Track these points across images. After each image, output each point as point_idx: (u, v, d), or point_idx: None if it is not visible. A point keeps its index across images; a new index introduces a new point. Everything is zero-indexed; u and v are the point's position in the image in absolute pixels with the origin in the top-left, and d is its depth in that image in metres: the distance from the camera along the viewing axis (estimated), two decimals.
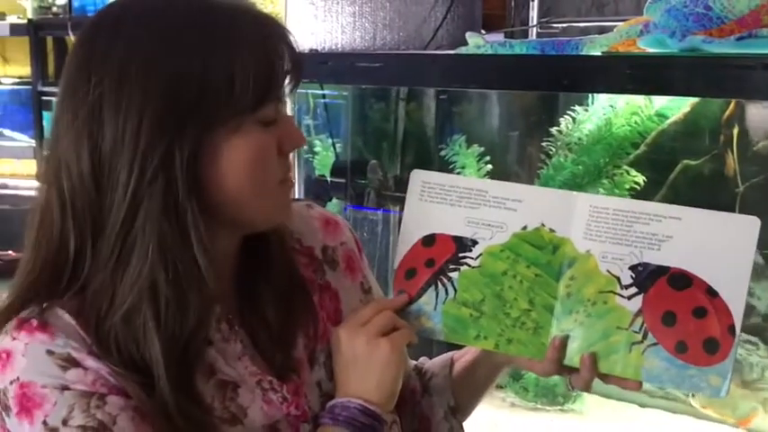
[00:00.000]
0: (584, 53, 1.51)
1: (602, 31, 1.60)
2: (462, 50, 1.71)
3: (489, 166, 2.00)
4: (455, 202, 1.02)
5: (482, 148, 2.02)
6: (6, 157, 3.99)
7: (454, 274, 1.01)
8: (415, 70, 1.78)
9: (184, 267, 0.85)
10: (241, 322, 0.94)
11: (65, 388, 0.83)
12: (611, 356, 0.96)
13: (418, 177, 1.04)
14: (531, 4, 2.25)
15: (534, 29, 2.22)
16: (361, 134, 2.25)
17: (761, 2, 1.32)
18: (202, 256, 0.85)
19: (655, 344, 0.94)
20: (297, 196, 2.11)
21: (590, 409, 1.98)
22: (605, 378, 0.97)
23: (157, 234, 0.83)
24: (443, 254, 1.02)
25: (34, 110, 3.54)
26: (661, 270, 0.95)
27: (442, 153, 2.04)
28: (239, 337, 0.93)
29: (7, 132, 3.96)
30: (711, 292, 0.93)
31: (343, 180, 2.11)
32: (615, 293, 0.96)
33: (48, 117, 3.49)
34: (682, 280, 0.94)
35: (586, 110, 1.91)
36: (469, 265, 1.01)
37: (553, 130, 1.94)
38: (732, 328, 0.92)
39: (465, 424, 1.11)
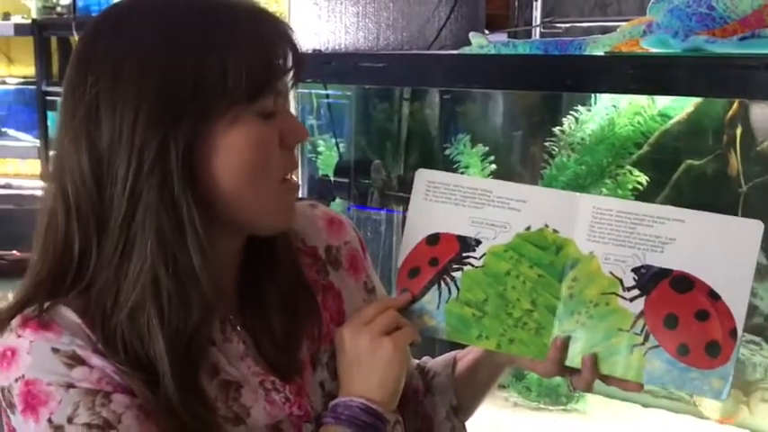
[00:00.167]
0: (587, 53, 1.51)
1: (606, 31, 1.60)
2: (466, 50, 1.71)
3: (493, 166, 2.00)
4: (459, 201, 1.03)
5: (486, 148, 2.02)
6: (11, 157, 4.00)
7: (457, 274, 1.02)
8: (418, 70, 1.78)
9: (184, 262, 0.85)
10: (243, 323, 0.94)
11: (70, 386, 0.83)
12: (613, 358, 0.96)
13: (423, 177, 1.04)
14: (534, 4, 2.25)
15: (537, 29, 2.22)
16: (365, 134, 2.25)
17: (764, 2, 1.32)
18: (197, 252, 0.85)
19: (656, 346, 0.94)
20: (300, 196, 2.11)
21: (593, 409, 1.98)
22: (606, 379, 0.97)
23: (156, 228, 0.84)
24: (447, 253, 1.02)
25: (38, 110, 3.55)
26: (663, 272, 0.95)
27: (447, 152, 2.03)
28: (241, 337, 0.93)
29: (11, 132, 3.97)
30: (714, 296, 0.93)
31: (346, 180, 2.11)
32: (617, 295, 0.96)
33: (52, 117, 3.50)
34: (684, 283, 0.94)
35: (589, 110, 1.91)
36: (473, 265, 1.01)
37: (556, 130, 1.94)
38: (734, 332, 0.92)
39: (467, 423, 1.11)
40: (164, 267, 0.84)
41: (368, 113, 2.25)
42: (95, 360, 0.84)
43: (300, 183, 2.19)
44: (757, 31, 1.29)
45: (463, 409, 1.10)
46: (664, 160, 1.88)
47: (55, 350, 0.83)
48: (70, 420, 0.82)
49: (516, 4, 2.40)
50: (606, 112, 1.89)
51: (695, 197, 1.82)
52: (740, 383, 1.79)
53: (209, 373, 0.89)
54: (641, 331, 0.95)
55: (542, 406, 2.00)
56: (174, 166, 0.84)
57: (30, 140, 3.85)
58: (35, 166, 3.83)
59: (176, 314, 0.85)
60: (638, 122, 1.86)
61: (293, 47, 0.90)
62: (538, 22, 2.23)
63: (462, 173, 1.98)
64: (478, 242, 1.01)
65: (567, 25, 2.20)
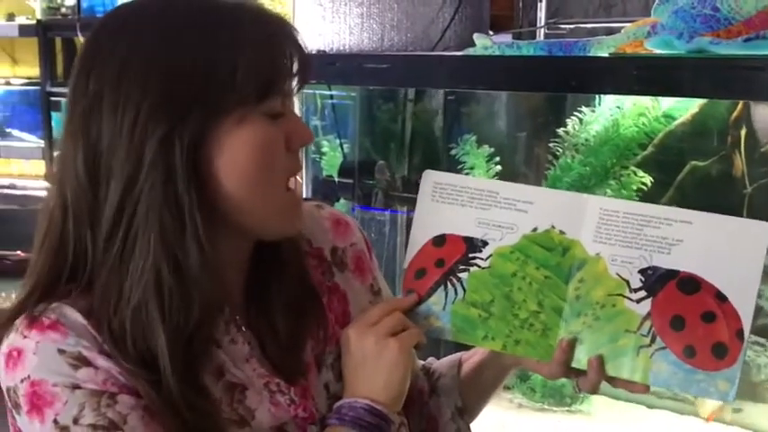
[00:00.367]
0: (591, 54, 1.51)
1: (610, 32, 1.60)
2: (470, 52, 1.70)
3: (498, 167, 2.00)
4: (466, 202, 1.02)
5: (492, 149, 2.02)
6: (15, 158, 4.01)
7: (464, 275, 1.02)
8: (422, 71, 1.78)
9: (185, 260, 0.85)
10: (248, 324, 0.94)
11: (75, 387, 0.83)
12: (619, 359, 0.96)
13: (430, 178, 1.04)
14: (538, 5, 2.25)
15: (542, 30, 2.22)
16: (369, 135, 2.25)
17: None
18: (198, 251, 0.85)
19: (663, 348, 0.94)
20: (305, 196, 2.11)
21: (597, 410, 1.98)
22: (612, 381, 0.97)
23: (158, 226, 0.84)
24: (453, 254, 1.02)
25: (43, 110, 3.56)
26: (670, 274, 0.95)
27: (453, 152, 2.03)
28: (247, 338, 0.93)
29: (16, 133, 3.97)
30: (721, 297, 0.93)
31: (350, 180, 2.11)
32: (624, 296, 0.96)
33: (56, 118, 3.50)
34: (691, 284, 0.94)
35: (593, 111, 1.91)
36: (479, 266, 1.01)
37: (560, 131, 1.94)
38: (741, 333, 0.92)
39: (472, 425, 1.11)
40: (166, 265, 0.84)
41: (372, 114, 2.25)
42: (101, 361, 0.84)
43: (304, 183, 2.19)
44: (762, 32, 1.29)
45: (468, 411, 1.10)
46: (668, 161, 1.88)
47: (61, 351, 0.84)
48: (76, 421, 0.82)
49: (521, 5, 2.40)
50: (610, 113, 1.89)
51: (700, 198, 1.82)
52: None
53: (214, 375, 0.89)
54: (648, 333, 0.95)
55: (547, 407, 2.00)
56: (179, 162, 0.84)
57: (34, 141, 3.86)
58: (39, 166, 3.84)
59: (177, 310, 0.85)
60: (643, 123, 1.86)
61: (299, 48, 0.90)
62: (542, 23, 2.23)
63: (467, 173, 1.98)
64: (485, 243, 1.01)
65: (572, 26, 2.20)
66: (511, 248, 1.00)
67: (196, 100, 0.84)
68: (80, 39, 3.28)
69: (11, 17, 3.81)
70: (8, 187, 3.94)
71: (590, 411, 1.98)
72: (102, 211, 0.85)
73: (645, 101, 1.84)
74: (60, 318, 0.85)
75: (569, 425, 1.95)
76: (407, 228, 1.06)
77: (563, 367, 0.98)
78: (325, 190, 2.17)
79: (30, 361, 0.84)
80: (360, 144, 2.23)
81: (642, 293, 0.96)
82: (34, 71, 3.74)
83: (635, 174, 1.88)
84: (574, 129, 1.92)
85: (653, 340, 0.95)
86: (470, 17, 2.14)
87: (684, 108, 1.83)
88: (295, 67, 0.90)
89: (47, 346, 0.84)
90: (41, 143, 3.69)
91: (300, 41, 0.90)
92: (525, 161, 2.15)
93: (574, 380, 1.00)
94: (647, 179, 1.87)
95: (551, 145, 1.96)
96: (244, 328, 0.93)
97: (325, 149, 2.25)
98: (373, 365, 0.94)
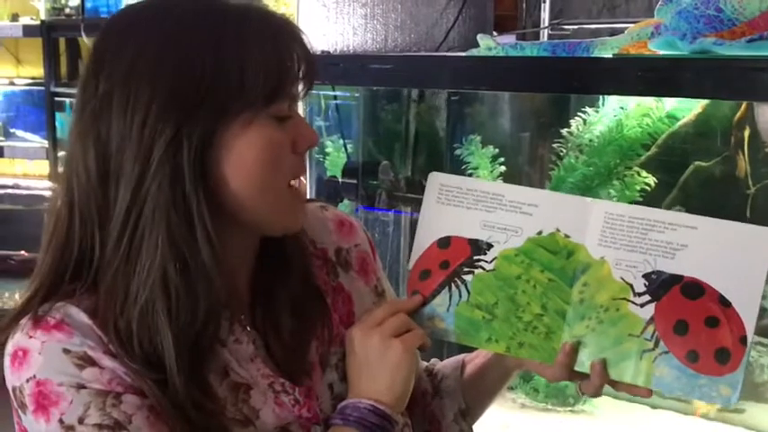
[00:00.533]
0: (595, 55, 1.51)
1: (614, 32, 1.60)
2: (474, 52, 1.71)
3: (503, 168, 2.00)
4: (471, 205, 1.03)
5: (496, 150, 2.02)
6: (19, 158, 4.02)
7: (468, 277, 1.02)
8: (426, 72, 1.78)
9: (194, 259, 0.85)
10: (253, 323, 0.94)
11: (81, 386, 0.83)
12: (622, 363, 0.96)
13: (436, 180, 1.05)
14: (542, 5, 2.25)
15: (545, 30, 2.22)
16: (373, 135, 2.25)
17: None
18: (207, 249, 0.86)
19: (666, 352, 0.94)
20: (308, 197, 2.11)
21: (601, 411, 1.97)
22: (615, 385, 0.97)
23: (166, 225, 0.84)
24: (458, 256, 1.02)
25: (47, 111, 3.56)
26: (674, 279, 0.95)
27: (457, 152, 2.03)
28: (251, 338, 0.93)
29: (20, 133, 3.98)
30: (724, 302, 0.93)
31: (354, 181, 2.12)
32: (628, 301, 0.96)
33: (60, 118, 3.51)
34: (695, 289, 0.94)
35: (597, 111, 1.90)
36: (484, 269, 1.01)
37: (564, 131, 1.94)
38: (744, 339, 0.92)
39: (475, 425, 1.12)
40: (173, 264, 0.85)
41: (376, 115, 2.25)
42: (106, 361, 0.84)
43: (308, 184, 2.19)
44: (765, 33, 1.29)
45: (471, 413, 1.10)
46: (671, 162, 1.88)
47: (66, 351, 0.84)
48: (81, 421, 0.83)
49: (524, 5, 2.39)
50: (614, 114, 1.88)
51: (703, 199, 1.81)
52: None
53: (219, 375, 0.90)
54: (651, 337, 0.95)
55: (550, 407, 2.00)
56: (186, 162, 0.84)
57: (38, 141, 3.87)
58: (43, 166, 3.84)
59: (184, 310, 0.85)
60: (646, 124, 1.86)
61: (305, 49, 0.90)
62: (546, 24, 2.23)
63: (471, 174, 1.98)
64: (490, 246, 1.01)
65: (576, 27, 2.20)
66: (515, 251, 1.01)
67: (204, 100, 0.84)
68: (84, 39, 3.29)
69: (15, 17, 3.81)
70: (12, 187, 3.95)
71: (593, 411, 1.98)
72: (112, 211, 0.85)
73: (648, 102, 1.84)
74: (65, 317, 0.85)
75: (572, 425, 1.95)
76: (411, 228, 1.06)
77: (566, 370, 0.98)
78: (329, 190, 2.17)
79: (35, 361, 0.84)
80: (363, 145, 2.23)
81: (646, 298, 0.96)
82: (38, 71, 3.75)
83: (638, 174, 1.87)
84: (578, 129, 1.92)
85: (656, 344, 0.95)
86: (474, 18, 2.14)
87: (688, 109, 1.83)
88: (302, 71, 0.90)
89: (52, 346, 0.84)
90: (45, 143, 3.70)
91: (307, 43, 0.91)
92: (529, 161, 2.15)
93: (577, 383, 1.00)
94: (651, 180, 1.86)
95: (555, 145, 1.96)
96: (248, 328, 0.94)
97: (328, 150, 2.26)
98: (377, 366, 0.95)
